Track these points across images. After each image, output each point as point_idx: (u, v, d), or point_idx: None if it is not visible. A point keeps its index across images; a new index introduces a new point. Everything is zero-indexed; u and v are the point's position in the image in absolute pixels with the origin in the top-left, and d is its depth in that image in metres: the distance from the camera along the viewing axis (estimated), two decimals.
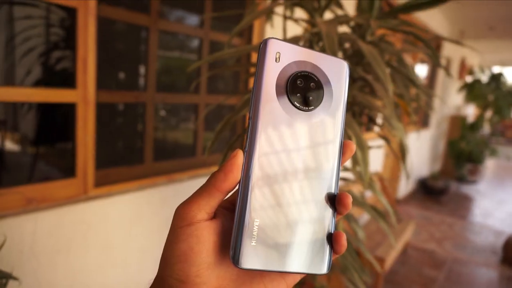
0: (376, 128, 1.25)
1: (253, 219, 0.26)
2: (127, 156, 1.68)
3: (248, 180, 0.26)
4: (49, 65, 1.73)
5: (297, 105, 0.27)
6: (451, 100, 6.31)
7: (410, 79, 1.03)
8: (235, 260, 0.25)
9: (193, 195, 0.27)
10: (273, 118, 0.27)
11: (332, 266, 1.18)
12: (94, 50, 1.21)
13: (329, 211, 0.28)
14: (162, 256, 0.27)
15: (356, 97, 1.06)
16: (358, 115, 1.15)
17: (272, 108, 0.27)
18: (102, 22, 1.32)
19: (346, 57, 1.18)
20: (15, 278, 0.83)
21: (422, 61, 4.52)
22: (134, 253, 1.44)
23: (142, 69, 1.63)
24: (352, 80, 1.23)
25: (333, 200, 0.28)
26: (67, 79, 1.32)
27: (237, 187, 0.27)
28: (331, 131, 0.28)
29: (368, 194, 3.36)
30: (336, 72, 0.29)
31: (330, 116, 0.28)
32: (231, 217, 0.27)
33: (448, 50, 5.30)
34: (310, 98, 0.28)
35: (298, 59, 0.28)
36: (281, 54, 0.27)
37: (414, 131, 4.66)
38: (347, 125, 0.93)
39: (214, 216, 0.27)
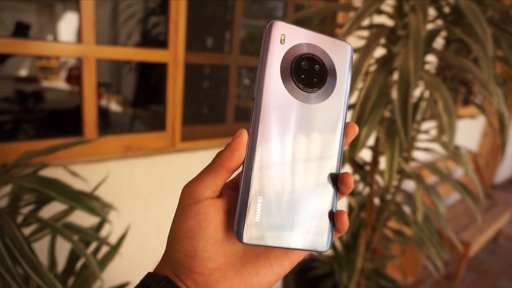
0: (472, 98, 1.14)
1: (257, 196, 0.26)
2: (210, 116, 1.80)
3: (252, 158, 0.27)
4: (146, 30, 1.90)
5: (301, 86, 0.28)
6: None
7: None
8: (239, 235, 0.26)
9: (200, 174, 0.28)
10: (277, 99, 0.27)
11: (407, 239, 1.12)
12: (184, 13, 1.29)
13: (331, 191, 0.29)
14: (170, 233, 0.28)
15: (449, 60, 0.97)
16: (450, 79, 1.05)
17: (276, 89, 0.27)
18: None
19: (442, 16, 1.08)
20: (115, 209, 0.97)
21: None
22: None
23: (227, 34, 1.69)
24: (447, 42, 1.12)
25: (335, 180, 0.29)
26: (160, 43, 1.44)
27: (242, 167, 0.28)
28: (334, 113, 0.29)
29: (459, 174, 3.08)
30: (341, 55, 0.30)
31: (334, 98, 0.29)
32: (236, 196, 0.28)
33: None
34: (314, 79, 0.28)
35: (303, 42, 0.28)
36: (286, 36, 0.28)
37: None
38: (434, 88, 0.86)
39: (220, 195, 0.28)
